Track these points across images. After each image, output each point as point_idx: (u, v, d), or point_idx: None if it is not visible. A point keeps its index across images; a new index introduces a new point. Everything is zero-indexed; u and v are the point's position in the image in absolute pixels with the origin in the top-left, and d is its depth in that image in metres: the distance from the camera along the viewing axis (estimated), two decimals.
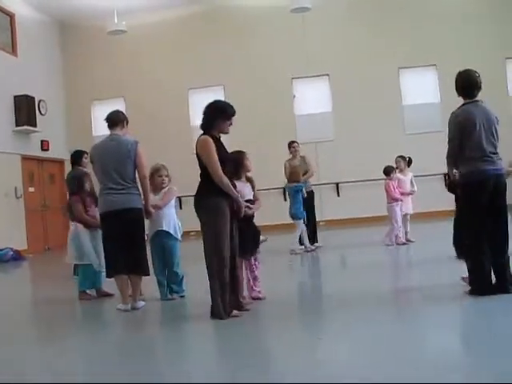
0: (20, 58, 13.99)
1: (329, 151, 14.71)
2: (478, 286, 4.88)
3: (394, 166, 9.64)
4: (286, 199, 14.78)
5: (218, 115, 4.91)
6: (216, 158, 4.78)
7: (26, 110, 13.58)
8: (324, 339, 4.16)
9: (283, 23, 14.88)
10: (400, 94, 14.92)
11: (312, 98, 15.25)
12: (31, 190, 13.95)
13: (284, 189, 14.73)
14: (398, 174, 9.56)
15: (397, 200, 9.34)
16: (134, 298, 5.56)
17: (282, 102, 15.01)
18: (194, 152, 4.93)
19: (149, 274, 5.65)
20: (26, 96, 13.60)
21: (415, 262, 8.18)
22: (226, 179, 4.78)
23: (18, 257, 12.17)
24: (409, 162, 9.85)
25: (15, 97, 13.49)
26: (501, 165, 5.10)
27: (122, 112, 5.91)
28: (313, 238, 9.64)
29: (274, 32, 15.08)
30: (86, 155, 7.46)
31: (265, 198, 13.96)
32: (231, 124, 4.97)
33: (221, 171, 4.76)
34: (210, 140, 4.83)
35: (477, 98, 5.53)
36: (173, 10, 15.29)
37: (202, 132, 4.94)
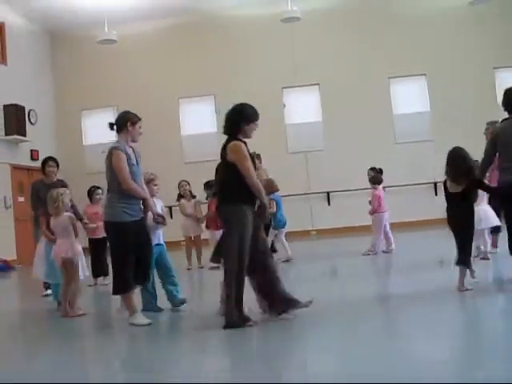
0: (10, 67, 13.92)
1: (319, 160, 14.75)
2: None
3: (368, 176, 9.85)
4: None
5: (242, 119, 4.85)
6: (250, 162, 4.75)
7: (15, 120, 13.50)
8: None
9: (273, 33, 14.93)
10: (390, 104, 14.99)
11: (302, 108, 15.29)
12: (21, 199, 13.85)
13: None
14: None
15: (383, 210, 9.43)
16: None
17: (273, 112, 15.01)
18: (220, 157, 4.85)
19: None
20: (16, 105, 13.53)
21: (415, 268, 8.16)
22: (259, 184, 4.74)
23: (6, 267, 12.10)
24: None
25: (5, 106, 13.41)
26: None
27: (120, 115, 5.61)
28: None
29: (264, 42, 15.13)
30: (50, 163, 7.34)
31: None
32: (255, 128, 4.93)
33: (256, 176, 4.73)
34: (243, 145, 4.80)
35: None
36: (163, 19, 15.30)
37: (226, 137, 4.88)
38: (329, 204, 14.94)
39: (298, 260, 9.35)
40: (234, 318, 4.68)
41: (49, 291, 7.27)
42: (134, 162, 5.31)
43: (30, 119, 14.30)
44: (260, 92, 14.98)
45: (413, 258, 8.63)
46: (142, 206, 5.36)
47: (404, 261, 8.50)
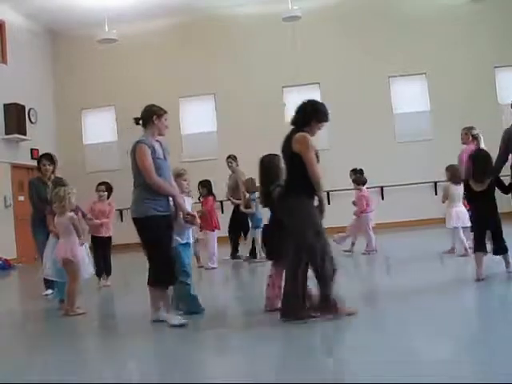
0: (10, 66, 13.92)
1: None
2: None
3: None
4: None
5: (315, 116, 4.91)
6: (314, 154, 4.76)
7: (15, 119, 13.51)
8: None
9: (274, 32, 14.91)
10: (390, 103, 14.98)
11: None
12: (21, 198, 13.84)
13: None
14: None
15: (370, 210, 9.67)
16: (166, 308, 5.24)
17: (273, 111, 15.01)
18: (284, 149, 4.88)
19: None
20: (16, 104, 13.54)
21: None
22: (320, 177, 4.73)
23: (6, 266, 12.11)
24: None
25: (5, 105, 13.43)
26: None
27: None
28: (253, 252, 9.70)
29: (265, 41, 15.11)
30: (44, 161, 7.35)
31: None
32: (320, 129, 4.97)
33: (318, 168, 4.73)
34: (310, 137, 4.80)
35: None
36: (164, 18, 15.31)
37: (292, 128, 4.95)
38: (329, 203, 14.92)
39: None
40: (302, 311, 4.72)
41: (49, 291, 7.27)
42: (161, 157, 5.16)
43: (30, 118, 14.30)
44: (260, 91, 15.00)
45: (415, 255, 8.66)
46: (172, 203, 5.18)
47: (406, 258, 8.53)
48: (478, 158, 6.15)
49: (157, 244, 5.03)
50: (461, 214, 7.97)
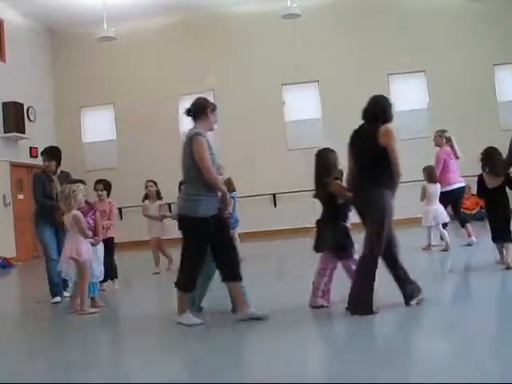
0: (8, 64, 13.88)
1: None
2: None
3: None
4: (275, 205, 14.85)
5: (390, 114, 5.21)
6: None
7: (14, 117, 13.48)
8: None
9: (273, 30, 14.89)
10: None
11: (302, 105, 15.26)
12: (20, 197, 13.85)
13: (274, 195, 14.81)
14: None
15: None
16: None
17: (272, 109, 15.02)
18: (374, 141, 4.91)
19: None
20: (15, 102, 13.52)
21: None
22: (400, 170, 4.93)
23: (5, 264, 12.11)
24: None
25: (3, 103, 13.40)
26: None
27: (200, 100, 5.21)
28: None
29: (264, 38, 15.09)
30: (44, 157, 7.15)
31: (254, 205, 14.10)
32: None
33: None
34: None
35: None
36: (163, 16, 15.28)
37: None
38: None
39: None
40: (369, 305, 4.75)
41: (57, 298, 6.72)
42: (213, 152, 4.96)
43: (28, 116, 14.28)
44: (259, 89, 15.00)
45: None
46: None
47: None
48: (494, 153, 6.48)
49: (202, 247, 4.87)
50: (437, 212, 8.46)
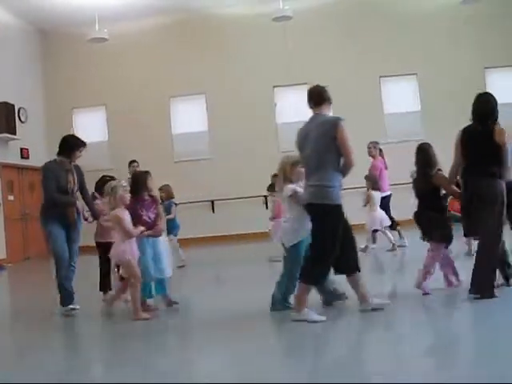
0: None
1: None
2: None
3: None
4: (267, 207, 14.82)
5: (497, 110, 5.41)
6: None
7: (5, 118, 13.42)
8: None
9: (265, 32, 14.91)
10: (381, 103, 15.02)
11: (293, 107, 15.25)
12: (11, 198, 13.78)
13: (265, 197, 14.79)
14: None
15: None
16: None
17: (264, 111, 15.03)
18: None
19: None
20: (6, 103, 13.45)
21: None
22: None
23: None
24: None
25: None
26: None
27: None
28: None
29: (256, 41, 15.11)
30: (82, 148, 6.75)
31: (243, 207, 14.07)
32: None
33: None
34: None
35: None
36: (154, 18, 15.26)
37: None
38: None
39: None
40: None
41: (74, 305, 6.09)
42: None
43: (19, 117, 14.22)
44: (251, 91, 15.01)
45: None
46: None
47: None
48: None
49: (336, 235, 4.72)
50: (381, 216, 9.19)
